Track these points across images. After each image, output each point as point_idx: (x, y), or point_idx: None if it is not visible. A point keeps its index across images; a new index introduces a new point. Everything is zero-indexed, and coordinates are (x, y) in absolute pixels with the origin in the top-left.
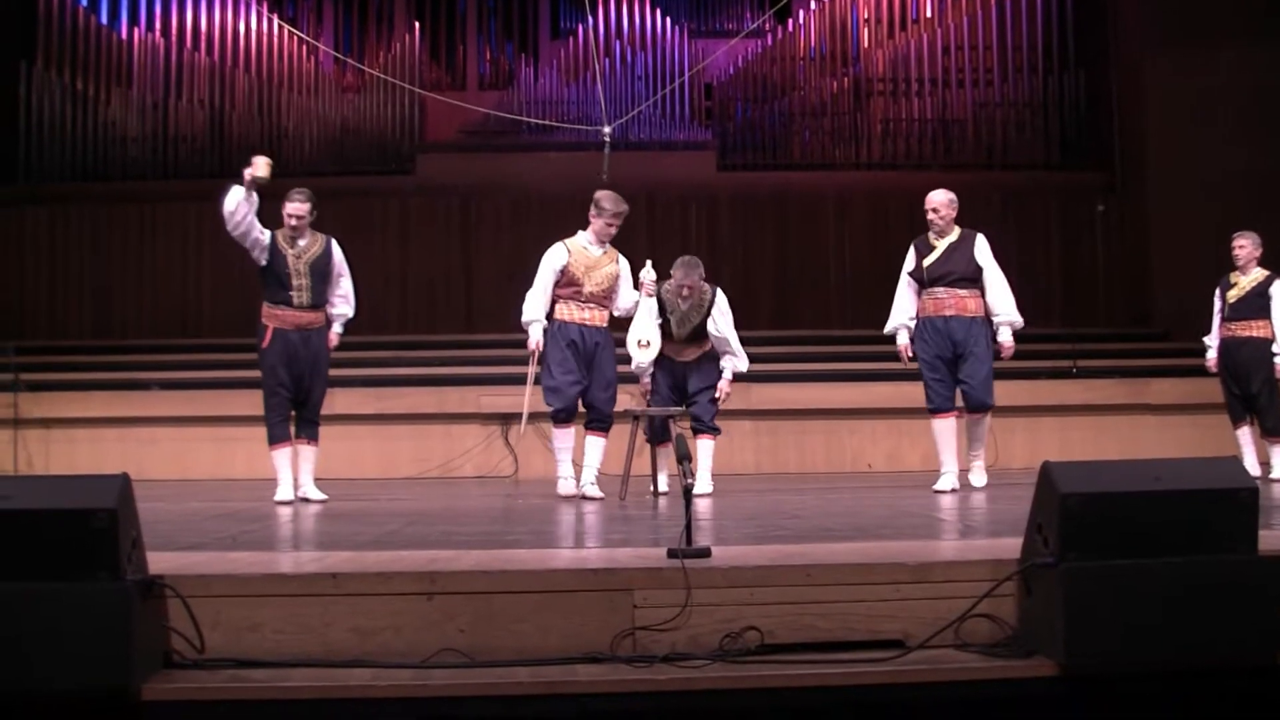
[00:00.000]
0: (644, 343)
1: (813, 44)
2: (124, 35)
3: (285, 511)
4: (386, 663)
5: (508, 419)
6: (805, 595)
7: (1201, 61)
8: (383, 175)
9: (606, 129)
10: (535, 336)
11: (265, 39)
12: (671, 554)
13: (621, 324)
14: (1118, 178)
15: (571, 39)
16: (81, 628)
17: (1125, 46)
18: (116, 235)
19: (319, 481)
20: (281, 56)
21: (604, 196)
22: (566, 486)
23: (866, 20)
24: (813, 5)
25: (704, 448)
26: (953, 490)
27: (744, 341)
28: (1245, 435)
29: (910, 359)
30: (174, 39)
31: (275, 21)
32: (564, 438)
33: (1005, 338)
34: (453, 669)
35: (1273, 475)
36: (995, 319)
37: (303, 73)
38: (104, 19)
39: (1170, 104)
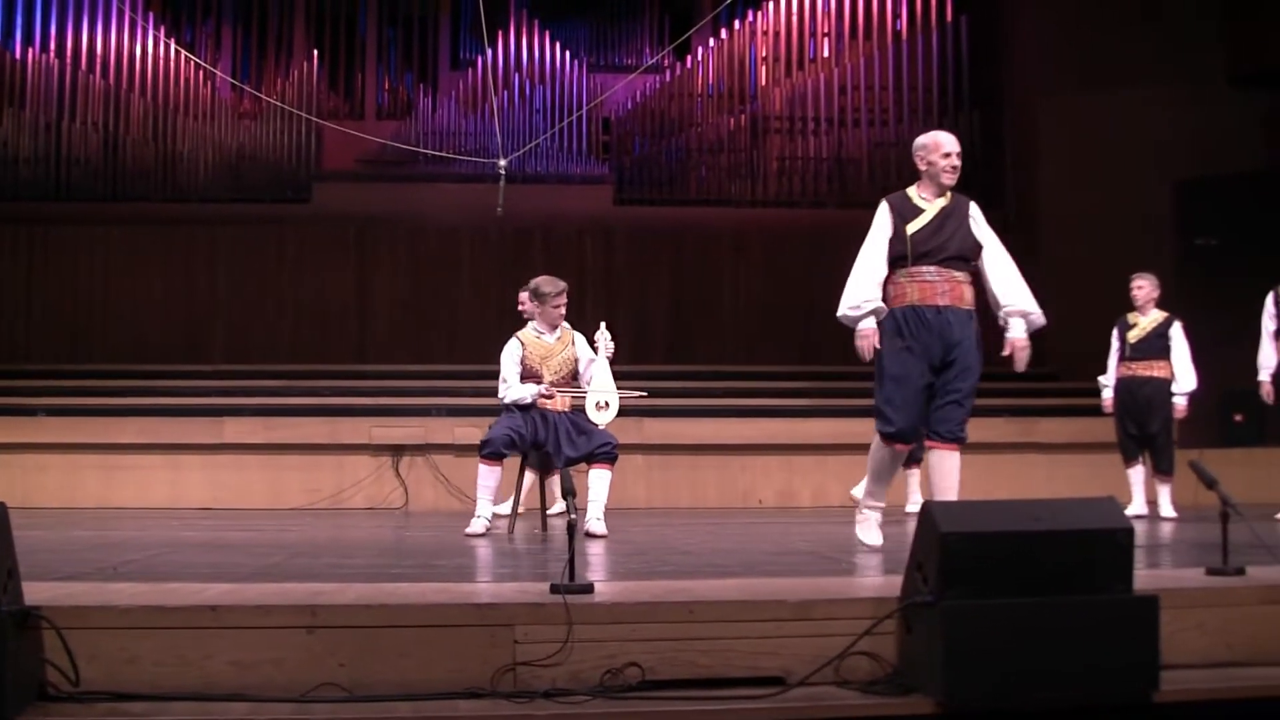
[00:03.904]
0: (602, 405)
1: (710, 81)
2: (17, 55)
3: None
4: (266, 696)
5: (399, 450)
6: (687, 632)
7: (1092, 105)
8: (278, 203)
9: (502, 161)
10: (531, 391)
11: (161, 63)
12: (554, 589)
13: None
14: (1010, 217)
15: (471, 70)
16: None
17: (1018, 89)
18: (5, 257)
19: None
20: (178, 81)
21: (541, 282)
22: (478, 525)
23: (764, 58)
24: (711, 42)
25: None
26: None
27: (638, 376)
28: (1136, 474)
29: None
30: (68, 60)
31: (172, 46)
32: (488, 475)
33: (1020, 332)
34: (333, 703)
35: (1162, 514)
36: (1004, 309)
37: (199, 98)
38: None
39: (1061, 146)
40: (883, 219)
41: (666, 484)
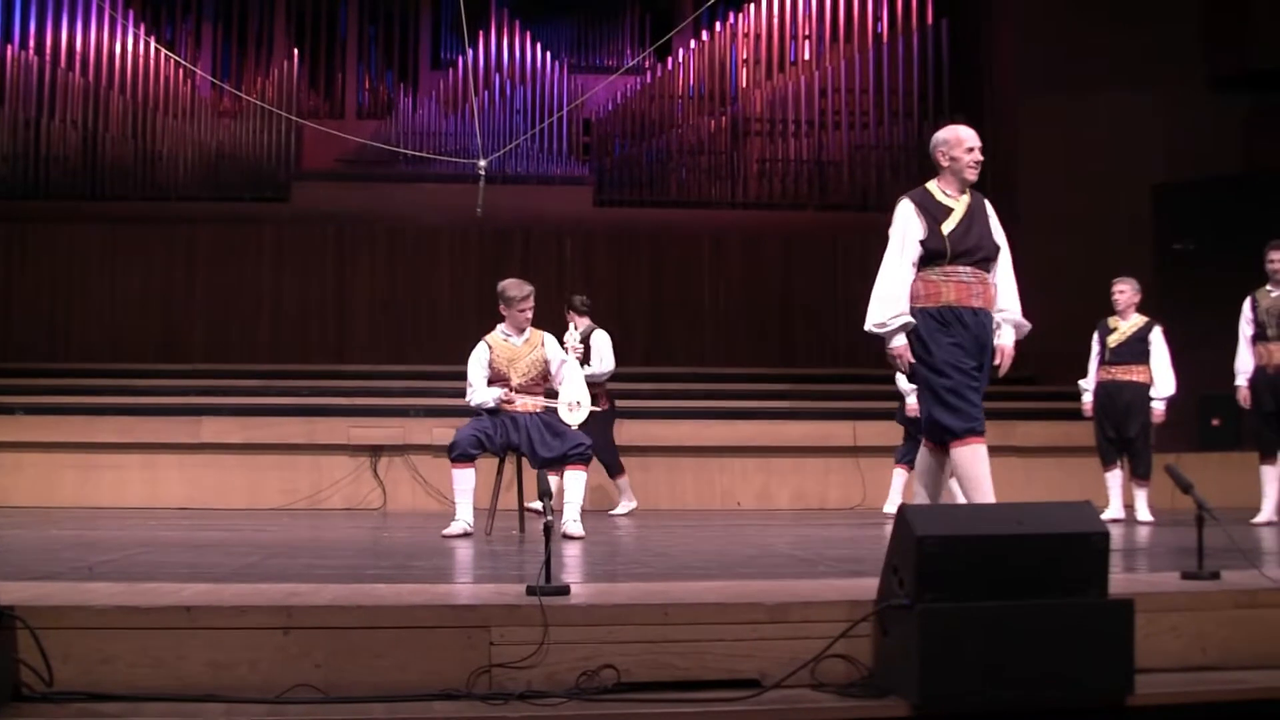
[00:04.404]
0: (574, 405)
1: (691, 83)
2: None
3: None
4: (241, 697)
5: (377, 451)
6: (663, 634)
7: (1072, 108)
8: (257, 202)
9: (482, 162)
10: (494, 395)
11: (141, 61)
12: (530, 591)
13: None
14: None
15: (451, 70)
16: None
17: (999, 94)
18: None
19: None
20: (157, 79)
21: (507, 286)
22: (457, 527)
23: (745, 60)
24: (692, 44)
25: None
26: None
27: (617, 377)
28: (1114, 478)
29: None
30: (48, 57)
31: (152, 44)
32: (462, 479)
33: (1009, 339)
34: (307, 704)
35: (1139, 518)
36: (1001, 314)
37: (179, 96)
38: None
39: (1041, 149)
40: (910, 220)
41: (645, 486)
